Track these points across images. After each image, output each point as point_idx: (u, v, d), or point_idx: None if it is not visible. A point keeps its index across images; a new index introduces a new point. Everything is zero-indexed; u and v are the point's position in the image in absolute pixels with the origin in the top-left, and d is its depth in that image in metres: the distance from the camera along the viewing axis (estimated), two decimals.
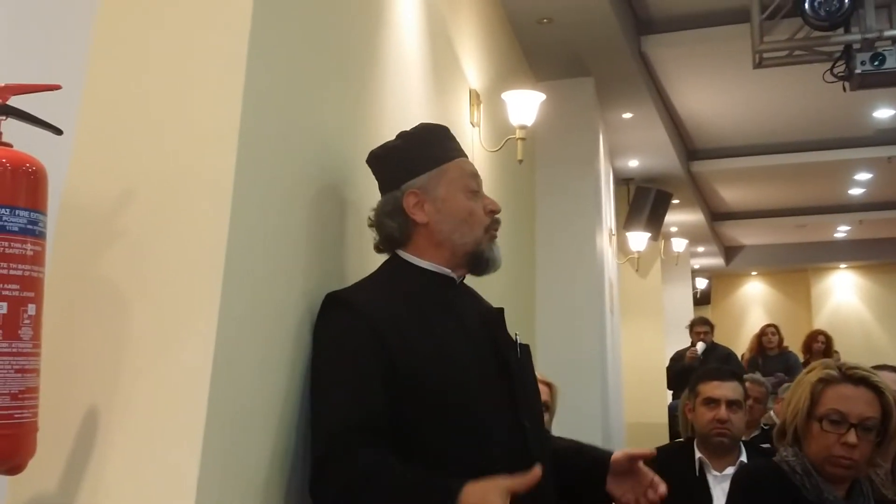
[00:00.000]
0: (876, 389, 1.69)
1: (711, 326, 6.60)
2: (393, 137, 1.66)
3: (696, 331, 6.49)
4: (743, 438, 2.65)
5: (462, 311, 1.54)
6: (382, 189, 1.60)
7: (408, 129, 1.66)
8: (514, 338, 1.57)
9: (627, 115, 6.01)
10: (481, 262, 1.55)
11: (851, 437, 1.65)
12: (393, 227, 1.54)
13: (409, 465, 1.33)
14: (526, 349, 1.59)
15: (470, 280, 1.65)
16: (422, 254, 1.55)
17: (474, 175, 1.60)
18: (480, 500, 1.22)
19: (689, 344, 6.73)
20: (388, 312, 1.45)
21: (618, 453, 1.59)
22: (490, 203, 1.58)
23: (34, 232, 1.01)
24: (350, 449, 1.33)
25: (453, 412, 1.39)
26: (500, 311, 1.60)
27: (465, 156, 1.64)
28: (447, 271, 1.55)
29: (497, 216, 1.59)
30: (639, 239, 7.33)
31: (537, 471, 1.26)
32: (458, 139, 1.68)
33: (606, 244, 5.97)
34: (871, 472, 1.83)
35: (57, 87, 1.11)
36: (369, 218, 1.61)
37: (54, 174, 1.07)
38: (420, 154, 1.57)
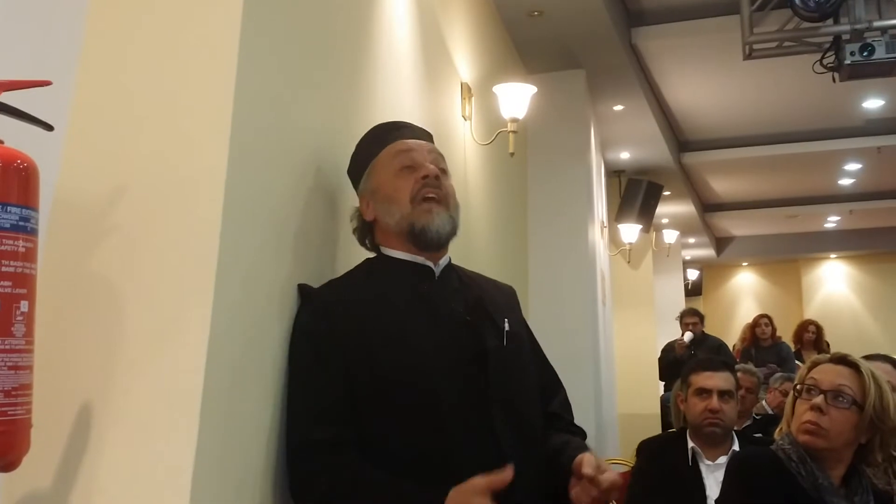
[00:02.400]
0: (854, 367, 1.74)
1: (701, 317, 6.62)
2: None
3: (686, 321, 6.52)
4: (735, 428, 2.67)
5: (438, 303, 1.49)
6: None
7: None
8: (503, 326, 1.51)
9: (618, 108, 6.02)
10: (416, 235, 1.51)
11: (818, 399, 1.71)
12: (358, 234, 1.63)
13: (384, 472, 1.33)
14: (516, 336, 1.54)
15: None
16: (389, 245, 1.57)
17: (404, 151, 1.56)
18: None
19: (679, 335, 6.76)
20: (348, 308, 1.44)
21: (577, 460, 1.39)
22: (422, 170, 1.52)
23: (26, 228, 1.01)
24: (315, 458, 1.34)
25: (410, 405, 1.38)
26: (480, 299, 1.54)
27: (406, 136, 1.61)
28: (421, 260, 1.53)
29: (428, 177, 1.52)
30: (630, 231, 7.35)
31: (509, 472, 1.25)
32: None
33: (598, 236, 5.98)
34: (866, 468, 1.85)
35: (47, 84, 1.10)
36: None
37: (45, 170, 1.07)
38: (358, 161, 1.64)
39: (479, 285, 1.61)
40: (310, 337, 1.44)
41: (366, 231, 1.61)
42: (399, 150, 1.57)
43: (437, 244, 1.53)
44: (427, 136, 1.68)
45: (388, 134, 1.63)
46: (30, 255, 1.02)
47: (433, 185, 1.52)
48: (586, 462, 1.35)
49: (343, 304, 1.45)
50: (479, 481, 1.24)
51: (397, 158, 1.56)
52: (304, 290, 1.51)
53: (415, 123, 1.69)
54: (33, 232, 1.03)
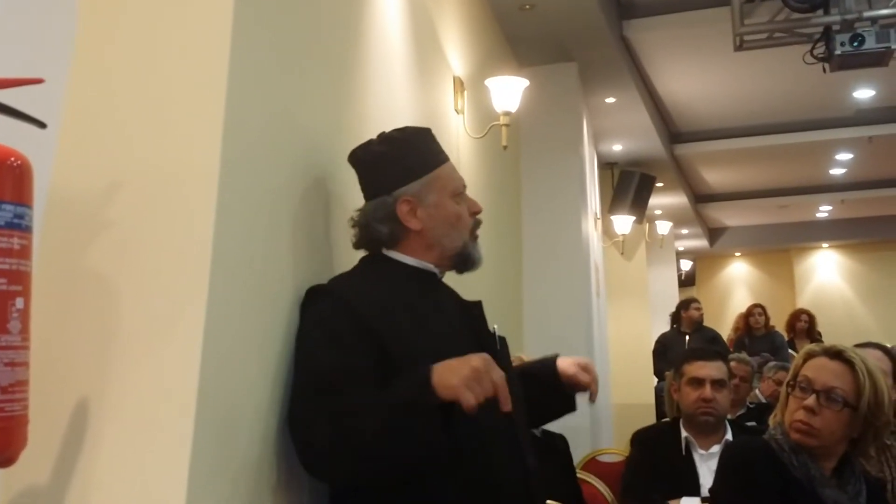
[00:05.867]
0: (849, 364, 1.71)
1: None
2: (377, 128, 1.67)
3: (696, 306, 6.53)
4: (729, 417, 2.69)
5: (443, 304, 1.59)
6: (368, 192, 1.61)
7: (397, 123, 1.68)
8: (493, 330, 1.61)
9: (611, 100, 6.02)
10: (467, 262, 1.62)
11: (810, 401, 1.69)
12: (384, 233, 1.57)
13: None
14: (504, 342, 1.64)
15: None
16: (410, 253, 1.58)
17: (460, 178, 1.66)
18: (456, 364, 1.27)
19: (676, 326, 6.79)
20: (373, 300, 1.47)
21: (565, 368, 1.76)
22: (473, 205, 1.64)
23: (20, 226, 1.01)
24: (330, 413, 1.33)
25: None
26: (478, 303, 1.65)
27: (448, 158, 1.68)
28: (430, 267, 1.59)
29: (479, 217, 1.66)
30: (623, 222, 7.36)
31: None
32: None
33: (592, 228, 6.00)
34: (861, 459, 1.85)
35: (40, 81, 1.10)
36: (352, 218, 1.62)
37: (39, 168, 1.07)
38: (411, 161, 1.59)
39: (456, 293, 1.70)
40: (333, 319, 1.44)
41: (397, 232, 1.57)
42: (459, 177, 1.66)
43: (471, 269, 1.65)
44: None
45: (436, 146, 1.66)
46: (24, 253, 1.02)
47: (479, 224, 1.66)
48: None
49: (363, 296, 1.47)
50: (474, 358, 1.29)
51: (456, 185, 1.63)
52: (316, 288, 1.52)
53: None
54: (28, 229, 1.03)
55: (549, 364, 1.77)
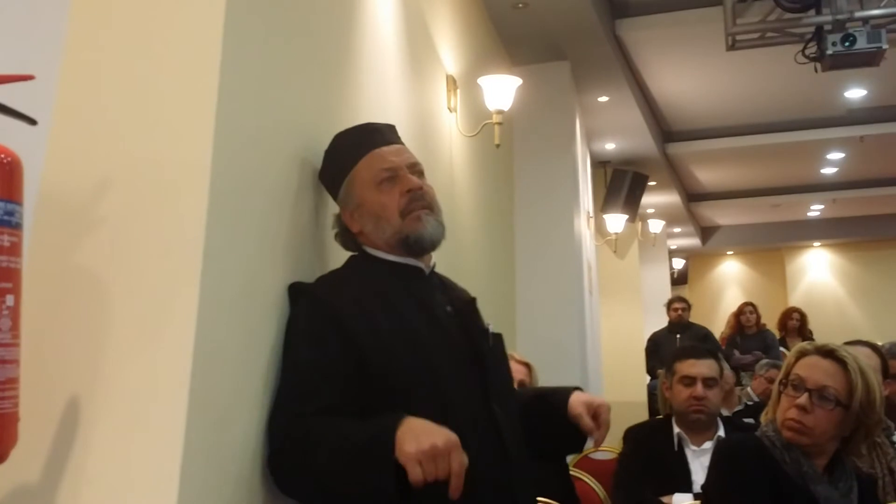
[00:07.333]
0: (842, 363, 1.72)
1: (688, 304, 6.72)
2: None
3: (675, 307, 6.60)
4: (725, 413, 2.70)
5: (431, 301, 1.55)
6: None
7: (389, 120, 1.70)
8: (486, 326, 1.59)
9: (603, 99, 6.03)
10: (411, 245, 1.54)
11: (803, 399, 1.70)
12: (341, 240, 1.63)
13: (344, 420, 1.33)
14: (498, 337, 1.62)
15: (448, 266, 1.67)
16: (378, 248, 1.58)
17: (381, 163, 1.56)
18: (421, 432, 1.20)
19: (666, 322, 6.83)
20: (352, 301, 1.45)
21: (573, 405, 1.58)
22: (406, 183, 1.54)
23: (10, 223, 1.01)
24: (299, 429, 1.33)
25: (422, 397, 1.39)
26: (472, 300, 1.63)
27: (385, 142, 1.61)
28: (412, 261, 1.57)
29: (415, 192, 1.54)
30: (616, 221, 7.38)
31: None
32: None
33: (584, 226, 6.00)
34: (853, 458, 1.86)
35: (30, 78, 1.10)
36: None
37: (29, 165, 1.07)
38: (335, 169, 1.63)
39: (454, 287, 1.68)
40: (308, 323, 1.44)
41: (349, 236, 1.62)
42: (377, 165, 1.56)
43: (432, 248, 1.58)
44: (393, 132, 1.68)
45: (359, 142, 1.61)
46: (15, 250, 1.02)
47: (418, 199, 1.55)
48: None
49: (344, 298, 1.46)
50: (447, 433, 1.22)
51: (376, 172, 1.56)
52: (298, 286, 1.52)
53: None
54: (18, 226, 1.03)
55: (562, 396, 1.62)
